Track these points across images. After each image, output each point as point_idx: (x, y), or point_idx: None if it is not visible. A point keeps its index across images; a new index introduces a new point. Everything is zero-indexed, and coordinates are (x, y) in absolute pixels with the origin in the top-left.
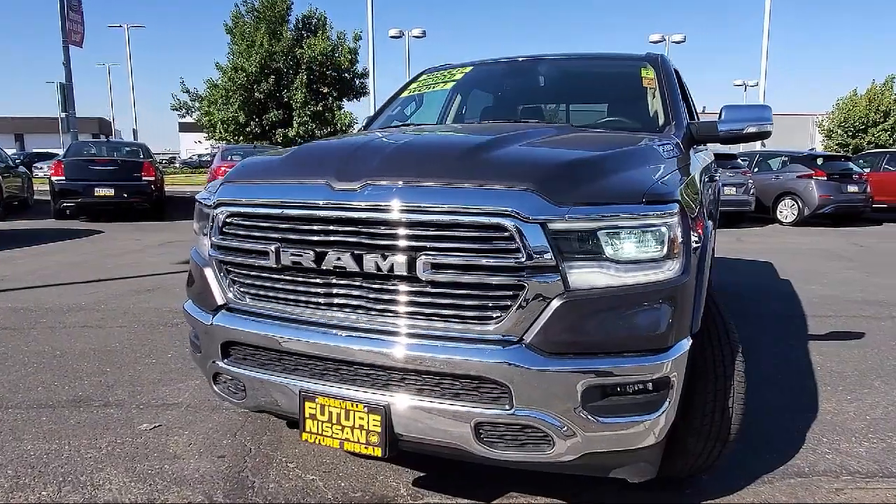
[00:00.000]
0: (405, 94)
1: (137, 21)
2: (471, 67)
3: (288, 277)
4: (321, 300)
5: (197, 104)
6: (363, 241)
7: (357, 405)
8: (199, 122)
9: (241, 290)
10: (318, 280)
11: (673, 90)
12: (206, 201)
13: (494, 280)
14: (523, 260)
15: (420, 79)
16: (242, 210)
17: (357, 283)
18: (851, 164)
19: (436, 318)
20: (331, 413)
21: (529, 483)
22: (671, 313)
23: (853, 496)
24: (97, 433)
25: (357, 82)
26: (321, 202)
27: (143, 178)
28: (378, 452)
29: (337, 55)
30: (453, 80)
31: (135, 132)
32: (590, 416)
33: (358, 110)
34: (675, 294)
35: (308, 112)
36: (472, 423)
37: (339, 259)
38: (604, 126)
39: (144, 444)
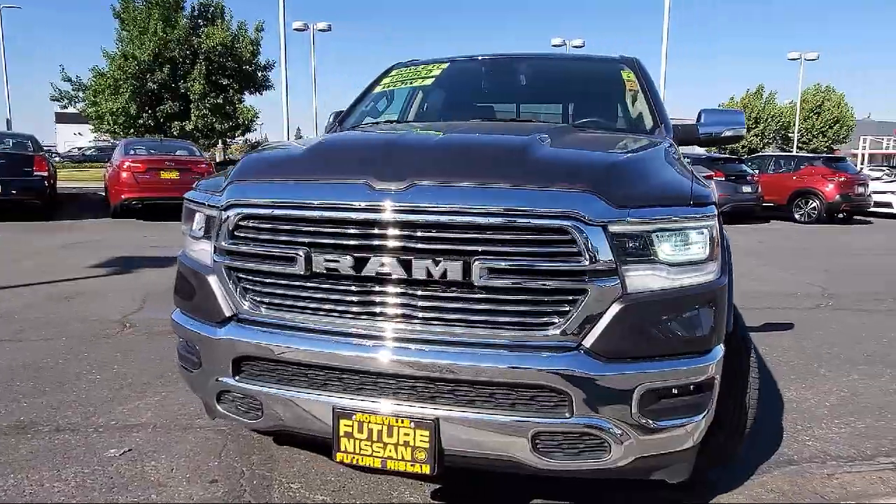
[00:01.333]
0: (378, 89)
1: (11, 1)
2: (447, 63)
3: (317, 285)
4: (358, 309)
5: (81, 94)
6: (411, 245)
7: (402, 420)
8: (84, 114)
9: (258, 299)
10: (354, 287)
11: (654, 92)
12: (209, 202)
13: (554, 285)
14: (585, 264)
15: (391, 74)
16: (261, 212)
17: (402, 291)
18: (745, 166)
19: (490, 326)
20: (370, 430)
21: (544, 489)
22: (714, 315)
23: (845, 480)
24: (58, 463)
25: (260, 75)
26: (361, 203)
27: (36, 174)
28: (426, 469)
29: (238, 46)
30: (431, 77)
31: (9, 122)
32: (645, 421)
33: (260, 104)
34: (717, 296)
35: (207, 105)
36: (530, 434)
37: (383, 265)
38: (595, 126)
39: (119, 473)
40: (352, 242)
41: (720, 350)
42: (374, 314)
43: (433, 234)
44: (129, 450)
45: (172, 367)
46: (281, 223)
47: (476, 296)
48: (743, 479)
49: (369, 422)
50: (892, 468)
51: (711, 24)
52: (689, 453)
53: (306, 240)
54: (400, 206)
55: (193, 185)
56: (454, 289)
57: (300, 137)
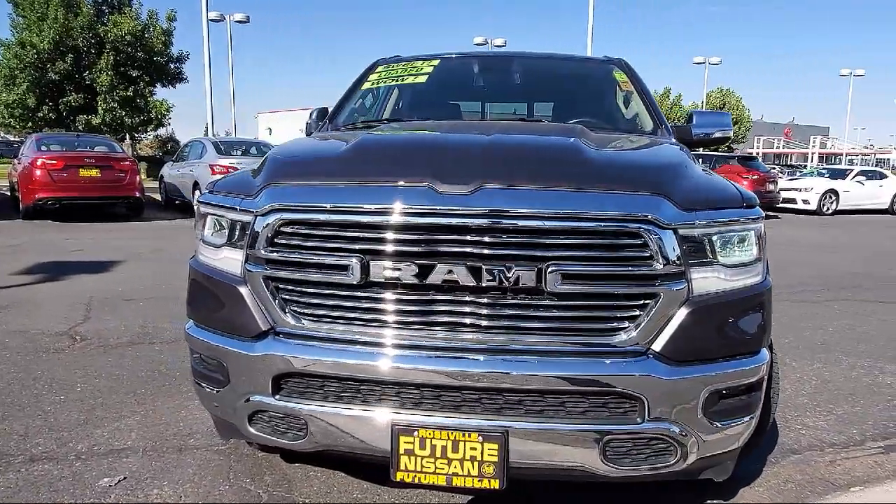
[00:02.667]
0: (366, 86)
1: None
2: (438, 61)
3: (374, 294)
4: (419, 319)
5: None
6: (481, 251)
7: (469, 434)
8: None
9: (302, 311)
10: (417, 296)
11: (648, 93)
12: (240, 205)
13: (627, 289)
14: (659, 267)
15: (377, 70)
16: (307, 217)
17: (469, 299)
18: None
19: (561, 333)
20: (434, 446)
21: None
22: (764, 315)
23: (847, 466)
24: (46, 498)
25: (172, 67)
26: (426, 207)
27: None
28: (495, 485)
29: (148, 36)
30: (424, 74)
31: None
32: (709, 422)
33: (174, 98)
34: (766, 296)
35: (116, 97)
36: (601, 442)
37: (451, 272)
38: (607, 128)
39: None
40: (416, 249)
41: (767, 350)
42: (437, 324)
43: (505, 239)
44: (125, 478)
45: (143, 383)
46: (333, 229)
47: (546, 302)
48: (757, 472)
49: (433, 437)
50: (883, 451)
51: (627, 28)
52: (736, 451)
53: (363, 247)
54: (470, 211)
55: (208, 187)
56: (523, 295)
57: (210, 134)
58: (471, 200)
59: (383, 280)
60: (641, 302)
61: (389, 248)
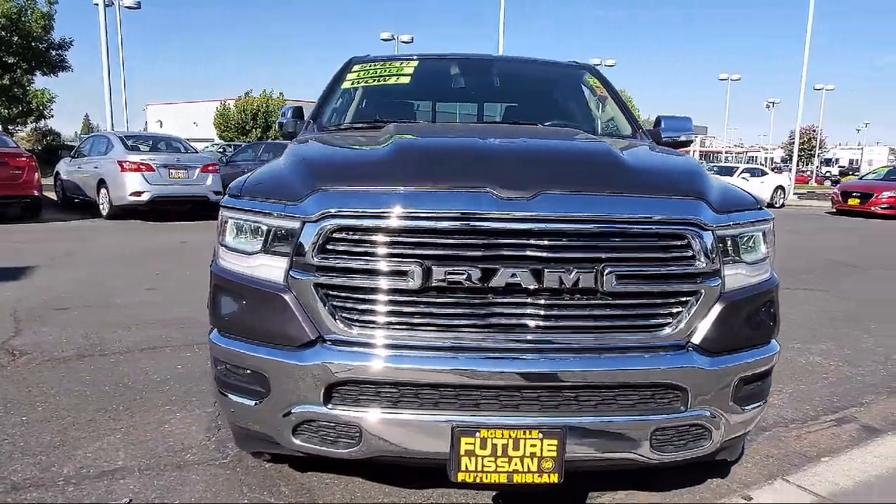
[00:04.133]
0: (345, 85)
1: None
2: (417, 61)
3: (434, 299)
4: (480, 322)
5: None
6: (542, 254)
7: (530, 432)
8: None
9: (354, 317)
10: (477, 300)
11: (621, 98)
12: (284, 211)
13: (673, 287)
14: (702, 266)
15: (354, 70)
16: (364, 223)
17: (529, 301)
18: None
19: (614, 330)
20: (495, 445)
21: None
22: (775, 307)
23: (812, 440)
24: None
25: (54, 54)
26: (490, 213)
27: None
28: (554, 479)
29: (26, 20)
30: (405, 75)
31: None
32: (737, 407)
33: (57, 87)
34: (775, 290)
35: None
36: (650, 432)
37: (514, 275)
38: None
39: None
40: (479, 253)
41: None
42: (496, 326)
43: (565, 242)
44: (130, 500)
45: (111, 398)
46: (392, 235)
47: (601, 302)
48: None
49: (494, 437)
50: (836, 424)
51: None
52: (747, 433)
53: (424, 252)
54: (531, 215)
55: (232, 191)
56: (579, 296)
57: (91, 126)
58: (531, 205)
59: (445, 284)
60: (684, 298)
61: (452, 252)
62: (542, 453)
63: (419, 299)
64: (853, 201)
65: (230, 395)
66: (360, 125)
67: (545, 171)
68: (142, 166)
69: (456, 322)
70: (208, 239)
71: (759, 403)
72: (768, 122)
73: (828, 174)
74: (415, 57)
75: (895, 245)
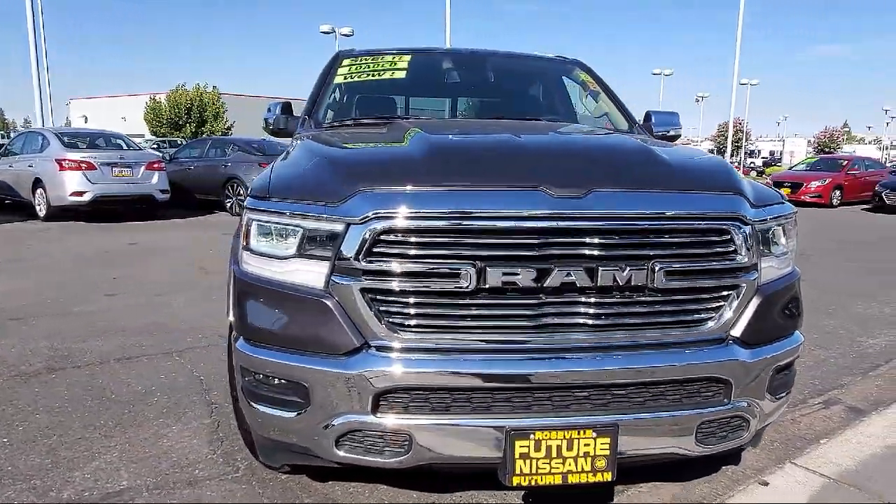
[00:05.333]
0: (338, 80)
1: None
2: (410, 55)
3: (486, 301)
4: (532, 322)
5: None
6: (596, 252)
7: (584, 432)
8: None
9: (403, 322)
10: (531, 300)
11: (614, 93)
12: (325, 214)
13: (716, 281)
14: (743, 260)
15: (344, 64)
16: (415, 224)
17: (580, 299)
18: None
19: (661, 326)
20: (549, 447)
21: None
22: (800, 299)
23: (806, 423)
24: None
25: None
26: (544, 211)
27: None
28: (608, 477)
29: None
30: (400, 69)
31: None
32: (771, 397)
33: None
34: (799, 282)
35: None
36: (696, 425)
37: (569, 274)
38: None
39: None
40: (533, 253)
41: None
42: (548, 326)
43: (617, 240)
44: None
45: (96, 414)
46: (445, 236)
47: (650, 298)
48: None
49: (548, 438)
50: (824, 406)
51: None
52: (771, 423)
53: (478, 253)
54: (585, 214)
55: (257, 193)
56: (629, 293)
57: (41, 123)
58: (584, 203)
59: (499, 285)
60: (726, 293)
61: (507, 252)
62: (595, 452)
63: (472, 301)
64: (785, 191)
65: (261, 407)
66: (365, 121)
67: (594, 168)
68: (82, 164)
69: (508, 323)
70: (158, 239)
71: (787, 392)
72: (698, 115)
73: (752, 165)
74: (405, 51)
75: (830, 232)
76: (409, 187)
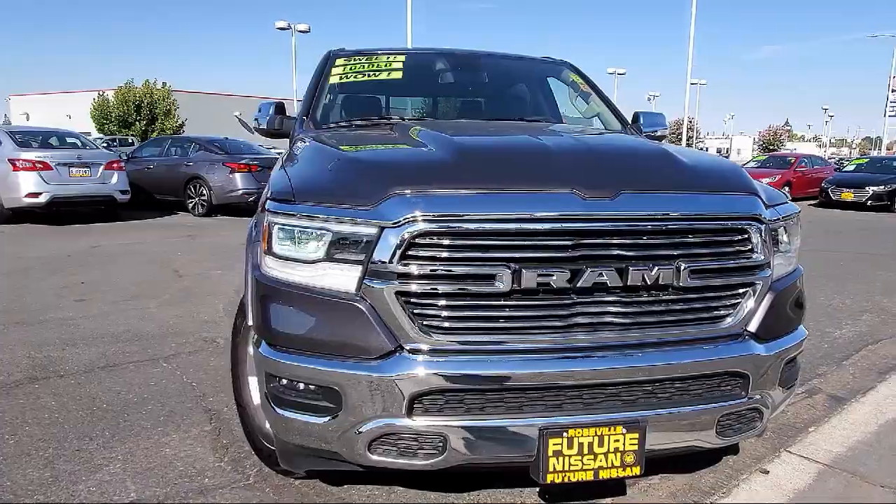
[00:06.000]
0: (333, 80)
1: None
2: (404, 56)
3: (520, 302)
4: (563, 323)
5: None
6: (626, 252)
7: (614, 428)
8: None
9: (436, 324)
10: (563, 300)
11: (604, 94)
12: (356, 217)
13: (735, 279)
14: (760, 258)
15: (337, 63)
16: (451, 226)
17: (610, 299)
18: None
19: (685, 323)
20: (580, 444)
21: None
22: (803, 293)
23: (791, 412)
24: None
25: None
26: (576, 213)
27: None
28: (637, 471)
29: None
30: (396, 70)
31: None
32: (781, 388)
33: None
34: (802, 279)
35: None
36: (717, 418)
37: (600, 274)
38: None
39: None
40: (567, 254)
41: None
42: (579, 325)
43: (646, 240)
44: None
45: (90, 424)
46: (481, 238)
47: (674, 297)
48: None
49: (580, 436)
50: (808, 395)
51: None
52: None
53: (514, 255)
54: (616, 215)
55: (277, 195)
56: (655, 292)
57: None
58: (614, 205)
59: (534, 286)
60: (742, 290)
61: (542, 254)
62: (624, 447)
63: (505, 302)
64: None
65: (288, 413)
66: (372, 122)
67: (622, 171)
68: (38, 165)
69: (540, 323)
70: (122, 242)
71: (794, 383)
72: None
73: None
74: (398, 51)
75: None
76: (444, 190)
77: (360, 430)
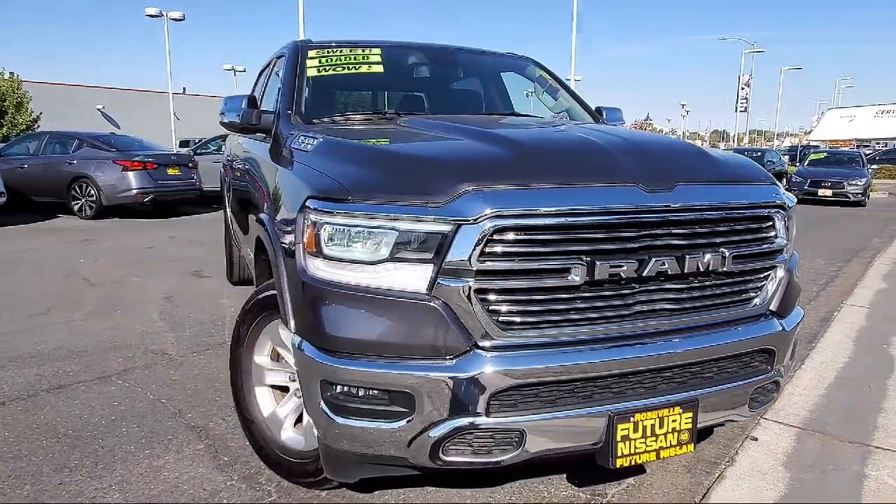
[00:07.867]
0: (311, 73)
1: None
2: (380, 49)
3: (593, 293)
4: (628, 311)
5: None
6: (683, 242)
7: (672, 409)
8: None
9: (512, 320)
10: (630, 290)
11: (570, 88)
12: (425, 214)
13: (764, 262)
14: (782, 242)
15: (311, 56)
16: (529, 222)
17: (665, 286)
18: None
19: (725, 306)
20: (644, 427)
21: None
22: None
23: (780, 403)
24: None
25: None
26: (642, 206)
27: None
28: (691, 448)
29: None
30: (375, 63)
31: None
32: (790, 360)
33: None
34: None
35: None
36: (750, 392)
37: (663, 264)
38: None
39: None
40: (635, 245)
41: None
42: (639, 313)
43: (698, 229)
44: None
45: (58, 453)
46: (558, 233)
47: (717, 282)
48: None
49: (644, 419)
50: None
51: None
52: None
53: (589, 247)
54: (676, 206)
55: (325, 193)
56: (703, 278)
57: None
58: (672, 197)
59: (606, 277)
60: (768, 272)
61: (613, 245)
62: (680, 427)
63: (577, 295)
64: None
65: (351, 421)
66: (370, 115)
67: (675, 164)
68: None
69: (608, 313)
70: (11, 249)
71: (795, 354)
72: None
73: None
74: (373, 43)
75: None
76: (515, 186)
77: (434, 432)
